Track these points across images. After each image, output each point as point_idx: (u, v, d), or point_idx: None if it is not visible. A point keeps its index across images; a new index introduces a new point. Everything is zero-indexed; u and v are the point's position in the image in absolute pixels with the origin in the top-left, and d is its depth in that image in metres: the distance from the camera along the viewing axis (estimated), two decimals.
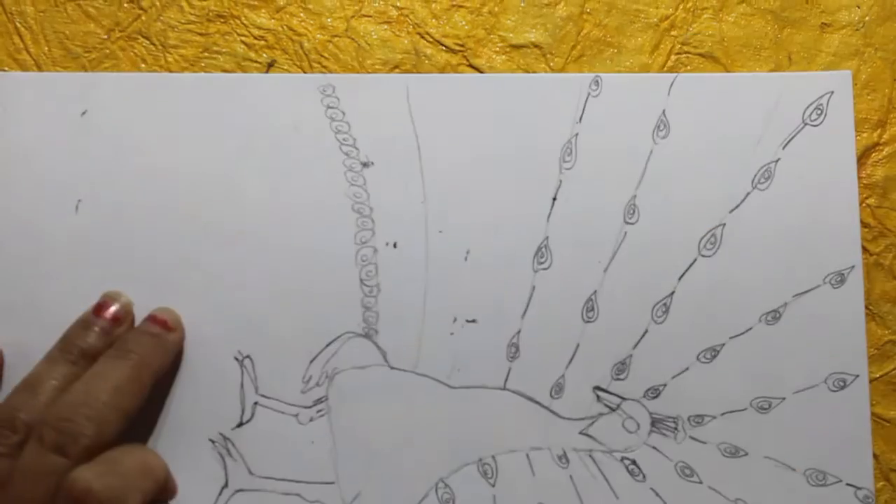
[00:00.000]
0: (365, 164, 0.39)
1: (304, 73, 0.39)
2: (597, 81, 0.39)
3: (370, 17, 0.40)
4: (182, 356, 0.38)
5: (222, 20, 0.39)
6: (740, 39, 0.40)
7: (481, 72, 0.39)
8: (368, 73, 0.39)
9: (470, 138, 0.39)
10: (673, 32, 0.40)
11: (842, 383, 0.38)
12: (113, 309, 0.36)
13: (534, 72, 0.39)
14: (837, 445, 0.38)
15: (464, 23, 0.40)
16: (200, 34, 0.39)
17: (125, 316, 0.36)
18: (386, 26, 0.40)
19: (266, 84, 0.39)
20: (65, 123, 0.39)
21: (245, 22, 0.39)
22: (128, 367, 0.35)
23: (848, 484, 0.38)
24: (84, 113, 0.39)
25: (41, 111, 0.39)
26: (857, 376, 0.38)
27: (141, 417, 0.36)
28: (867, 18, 0.40)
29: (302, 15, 0.40)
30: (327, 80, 0.39)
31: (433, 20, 0.40)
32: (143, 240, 0.38)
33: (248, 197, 0.38)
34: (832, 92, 0.39)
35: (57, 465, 0.32)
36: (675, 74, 0.39)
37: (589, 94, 0.39)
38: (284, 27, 0.39)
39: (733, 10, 0.40)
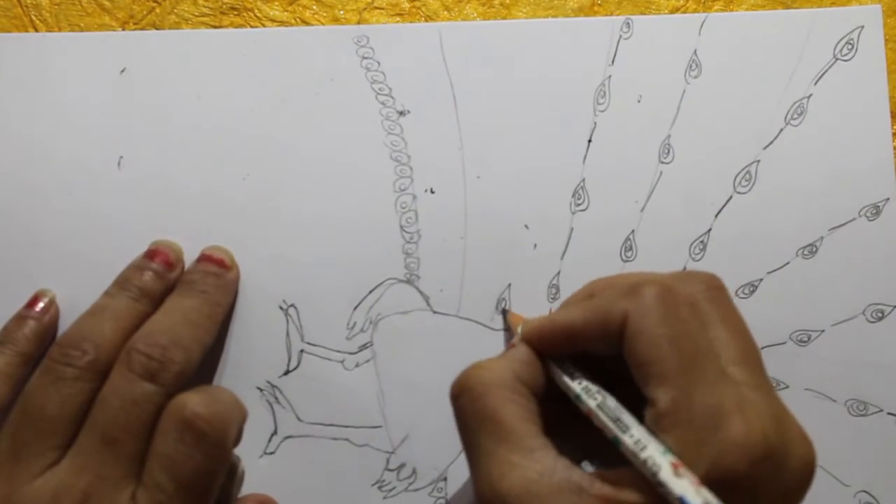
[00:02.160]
0: (401, 113, 0.39)
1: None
2: (628, 24, 0.39)
3: (382, 9, 0.40)
4: (230, 304, 0.38)
5: (235, 13, 0.40)
6: None
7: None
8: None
9: (504, 84, 0.39)
10: None
11: (880, 314, 0.39)
12: (166, 254, 0.37)
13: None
14: (877, 375, 0.38)
15: (475, 14, 0.40)
16: (214, 27, 0.40)
17: (177, 261, 0.37)
18: (398, 18, 0.40)
19: (301, 37, 0.39)
20: (104, 82, 0.39)
21: (258, 14, 0.40)
22: (203, 304, 0.35)
23: (889, 413, 0.38)
24: (123, 71, 0.39)
25: (81, 70, 0.39)
26: (895, 307, 0.39)
27: None
28: None
29: (315, 7, 0.40)
30: (361, 32, 0.39)
31: (445, 12, 0.40)
32: (186, 194, 0.39)
33: (288, 149, 0.39)
34: (862, 26, 0.39)
35: (149, 391, 0.32)
36: (705, 14, 0.40)
37: (620, 36, 0.39)
38: (297, 19, 0.40)
39: (743, 1, 0.40)
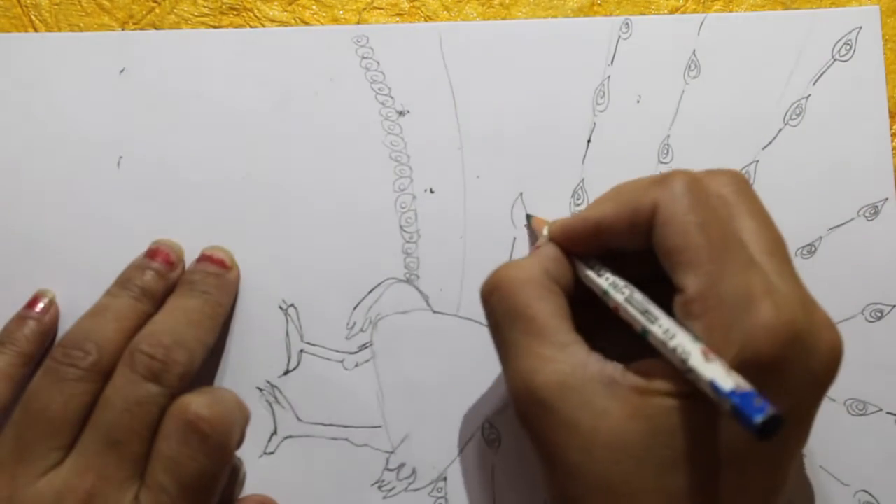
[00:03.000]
0: (401, 113, 0.39)
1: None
2: (627, 24, 0.40)
3: (382, 9, 0.40)
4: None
5: (235, 13, 0.40)
6: None
7: None
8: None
9: (503, 84, 0.39)
10: None
11: (879, 314, 0.39)
12: (167, 253, 0.37)
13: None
14: (876, 375, 0.38)
15: (475, 14, 0.40)
16: (213, 27, 0.40)
17: (178, 261, 0.37)
18: (398, 18, 0.40)
19: (301, 37, 0.40)
20: (104, 82, 0.39)
21: (258, 15, 0.40)
22: (205, 305, 0.35)
23: (888, 412, 0.38)
24: (122, 71, 0.39)
25: (80, 70, 0.39)
26: (894, 306, 0.39)
27: None
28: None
29: (314, 7, 0.40)
30: (361, 31, 0.40)
31: (445, 12, 0.40)
32: (185, 193, 0.39)
33: (288, 148, 0.39)
34: (860, 27, 0.40)
35: (152, 392, 0.32)
36: (704, 14, 0.40)
37: (620, 36, 0.40)
38: (297, 19, 0.40)
39: (743, 1, 0.40)
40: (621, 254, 0.32)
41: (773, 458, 0.29)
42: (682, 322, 0.28)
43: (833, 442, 0.38)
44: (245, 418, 0.34)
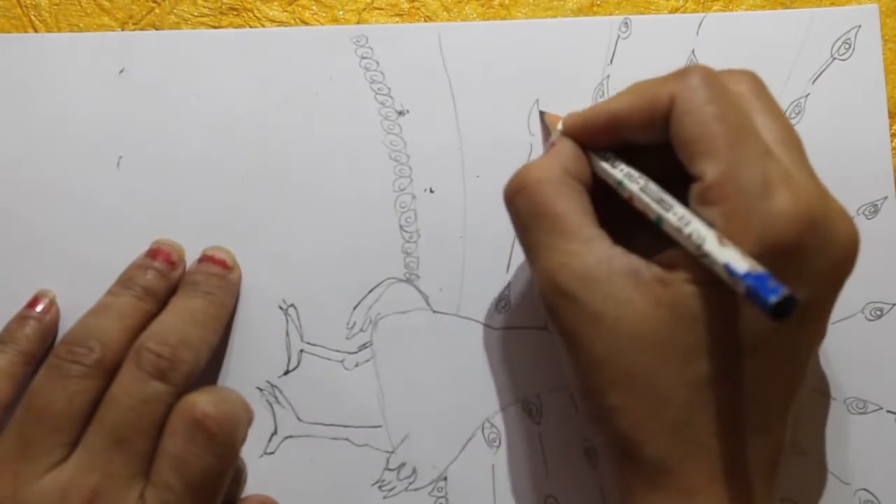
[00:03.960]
0: (400, 113, 0.39)
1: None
2: (626, 23, 0.40)
3: (382, 9, 0.40)
4: None
5: (235, 13, 0.40)
6: None
7: None
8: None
9: (502, 83, 0.39)
10: None
11: (879, 312, 0.39)
12: (168, 253, 0.37)
13: None
14: (877, 373, 0.38)
15: (475, 14, 0.40)
16: (213, 27, 0.40)
17: (179, 260, 0.37)
18: (398, 18, 0.40)
19: (300, 37, 0.40)
20: (103, 82, 0.39)
21: (258, 15, 0.40)
22: (209, 306, 0.35)
23: (889, 411, 0.38)
24: (122, 71, 0.39)
25: (80, 71, 0.39)
26: (895, 304, 0.39)
27: None
28: None
29: (314, 7, 0.40)
30: (360, 31, 0.40)
31: (444, 12, 0.40)
32: (185, 193, 0.39)
33: (287, 148, 0.39)
34: (859, 26, 0.40)
35: (159, 391, 0.32)
36: (703, 14, 0.40)
37: (619, 35, 0.40)
38: (297, 20, 0.40)
39: (743, 1, 0.40)
40: (635, 150, 0.32)
41: (793, 347, 0.30)
42: (697, 211, 0.29)
43: (833, 440, 0.38)
44: (250, 418, 0.34)
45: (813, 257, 0.28)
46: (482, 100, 0.39)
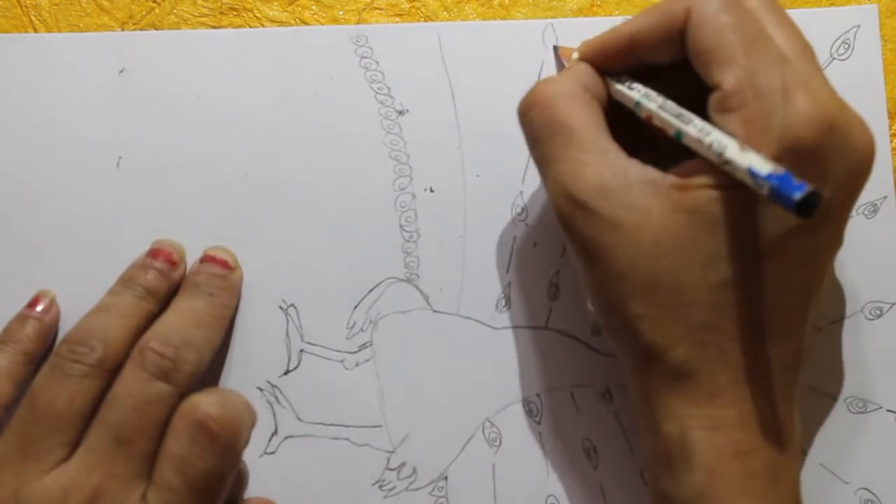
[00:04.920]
0: (400, 112, 0.39)
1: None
2: None
3: (382, 9, 0.40)
4: None
5: (235, 13, 0.40)
6: None
7: None
8: None
9: (503, 83, 0.39)
10: None
11: (878, 311, 0.39)
12: (169, 252, 0.37)
13: None
14: (877, 373, 0.38)
15: (474, 14, 0.40)
16: (213, 27, 0.40)
17: (180, 260, 0.37)
18: (398, 18, 0.40)
19: (300, 37, 0.40)
20: (103, 82, 0.39)
21: (258, 15, 0.40)
22: (212, 306, 0.35)
23: (889, 410, 0.38)
24: (122, 71, 0.39)
25: (80, 70, 0.39)
26: (894, 304, 0.39)
27: None
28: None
29: (314, 7, 0.40)
30: (360, 31, 0.40)
31: (444, 12, 0.40)
32: (186, 193, 0.39)
33: (287, 148, 0.39)
34: (858, 26, 0.40)
35: (162, 391, 0.32)
36: None
37: None
38: (297, 20, 0.40)
39: None
40: (650, 73, 0.32)
41: (812, 251, 0.30)
42: (715, 122, 0.29)
43: (833, 440, 0.38)
44: (253, 419, 0.34)
45: (831, 160, 0.28)
46: (482, 99, 0.39)
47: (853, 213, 0.39)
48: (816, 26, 0.40)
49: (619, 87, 0.33)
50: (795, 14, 0.39)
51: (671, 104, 0.31)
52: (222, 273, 0.37)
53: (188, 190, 0.39)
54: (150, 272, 0.36)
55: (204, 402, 0.32)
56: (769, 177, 0.27)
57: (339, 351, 0.38)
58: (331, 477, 0.38)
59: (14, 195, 0.38)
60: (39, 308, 0.37)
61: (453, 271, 0.39)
